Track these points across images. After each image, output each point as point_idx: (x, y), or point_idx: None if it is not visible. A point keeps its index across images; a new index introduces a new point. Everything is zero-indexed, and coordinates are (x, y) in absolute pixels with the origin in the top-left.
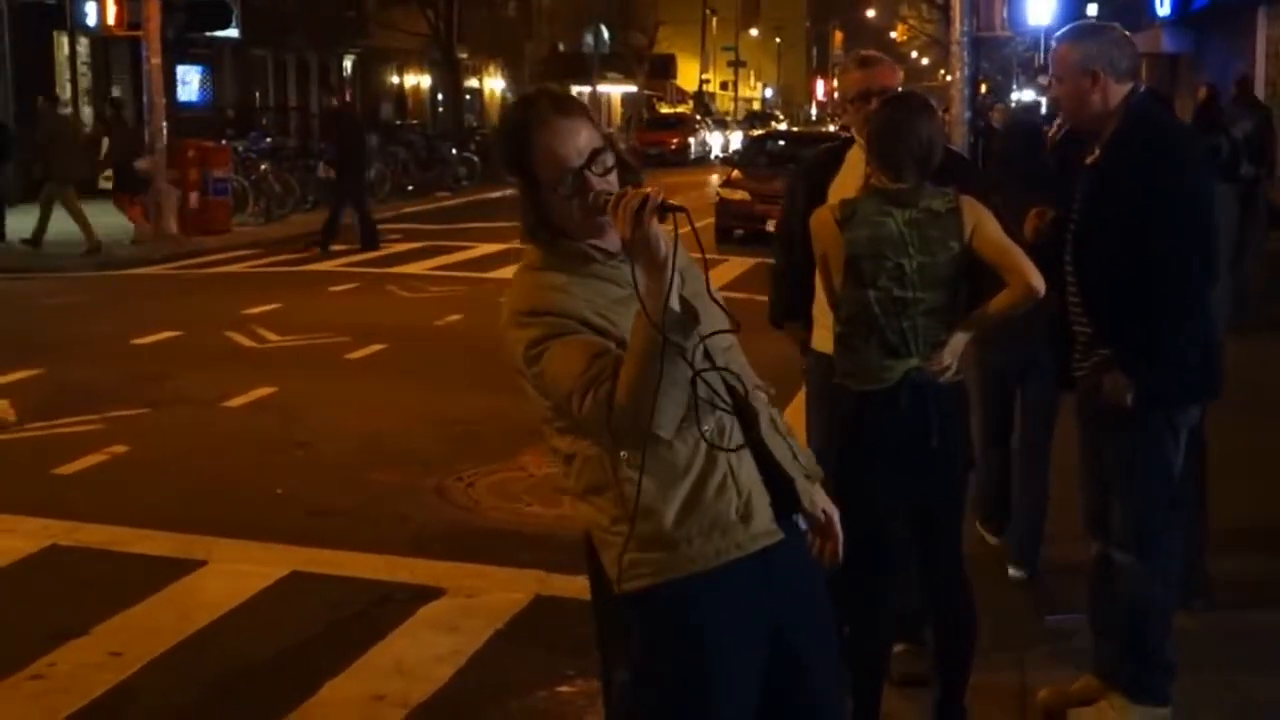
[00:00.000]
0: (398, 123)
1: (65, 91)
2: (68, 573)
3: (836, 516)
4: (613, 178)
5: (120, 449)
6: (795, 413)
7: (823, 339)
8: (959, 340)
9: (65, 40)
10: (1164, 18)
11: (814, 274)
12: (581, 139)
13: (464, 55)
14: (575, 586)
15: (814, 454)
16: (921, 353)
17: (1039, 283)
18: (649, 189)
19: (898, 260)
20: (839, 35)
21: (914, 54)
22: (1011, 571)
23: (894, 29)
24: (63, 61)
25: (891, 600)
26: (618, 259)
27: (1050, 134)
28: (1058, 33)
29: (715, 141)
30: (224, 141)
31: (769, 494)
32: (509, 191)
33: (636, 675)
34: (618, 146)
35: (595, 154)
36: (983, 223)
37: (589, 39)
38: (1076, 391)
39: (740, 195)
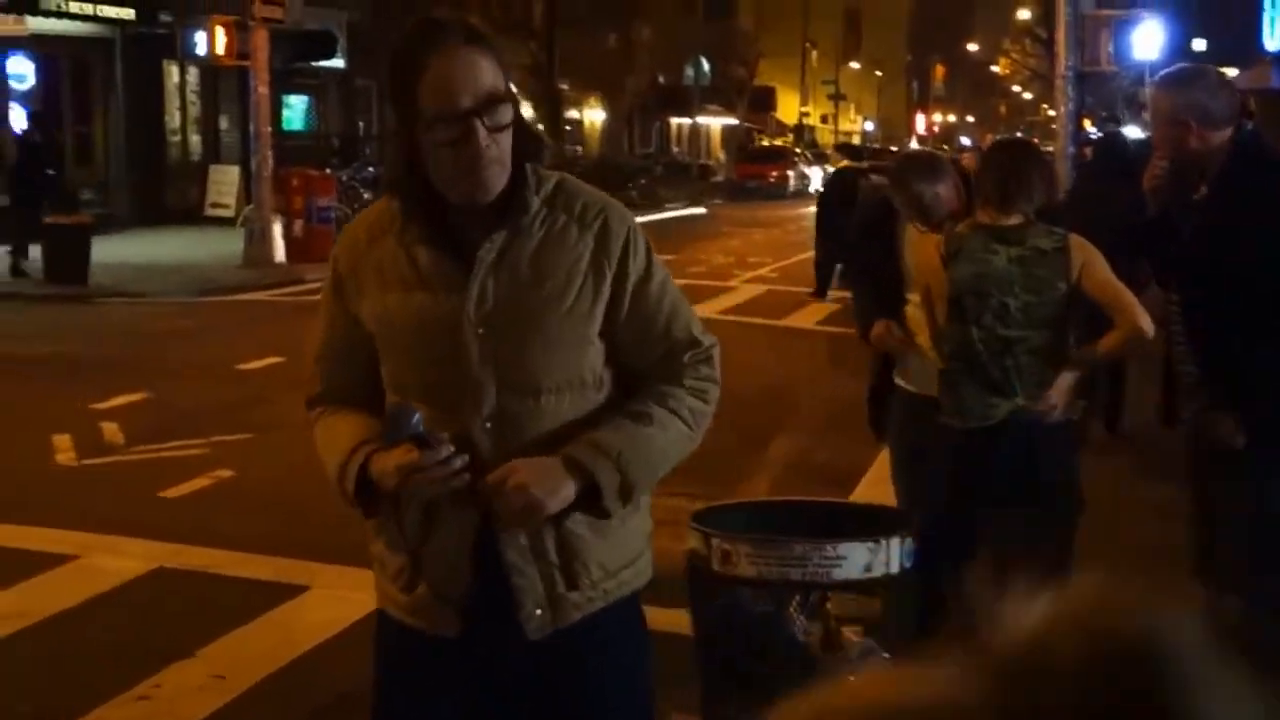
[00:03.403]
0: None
1: (174, 120)
2: (173, 595)
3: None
4: (505, 139)
5: (225, 473)
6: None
7: (907, 374)
8: (1066, 380)
9: (175, 69)
10: (1273, 53)
11: (886, 284)
12: (484, 78)
13: (565, 87)
14: (670, 620)
15: (899, 491)
16: (1025, 391)
17: (1148, 325)
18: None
19: (1002, 298)
20: (940, 69)
21: (1016, 88)
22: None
23: (996, 63)
24: (172, 90)
25: None
26: (447, 263)
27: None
28: (1155, 76)
29: (814, 175)
30: (328, 170)
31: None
32: None
33: None
34: (520, 109)
35: (491, 101)
36: (1091, 263)
37: (689, 71)
38: (1185, 433)
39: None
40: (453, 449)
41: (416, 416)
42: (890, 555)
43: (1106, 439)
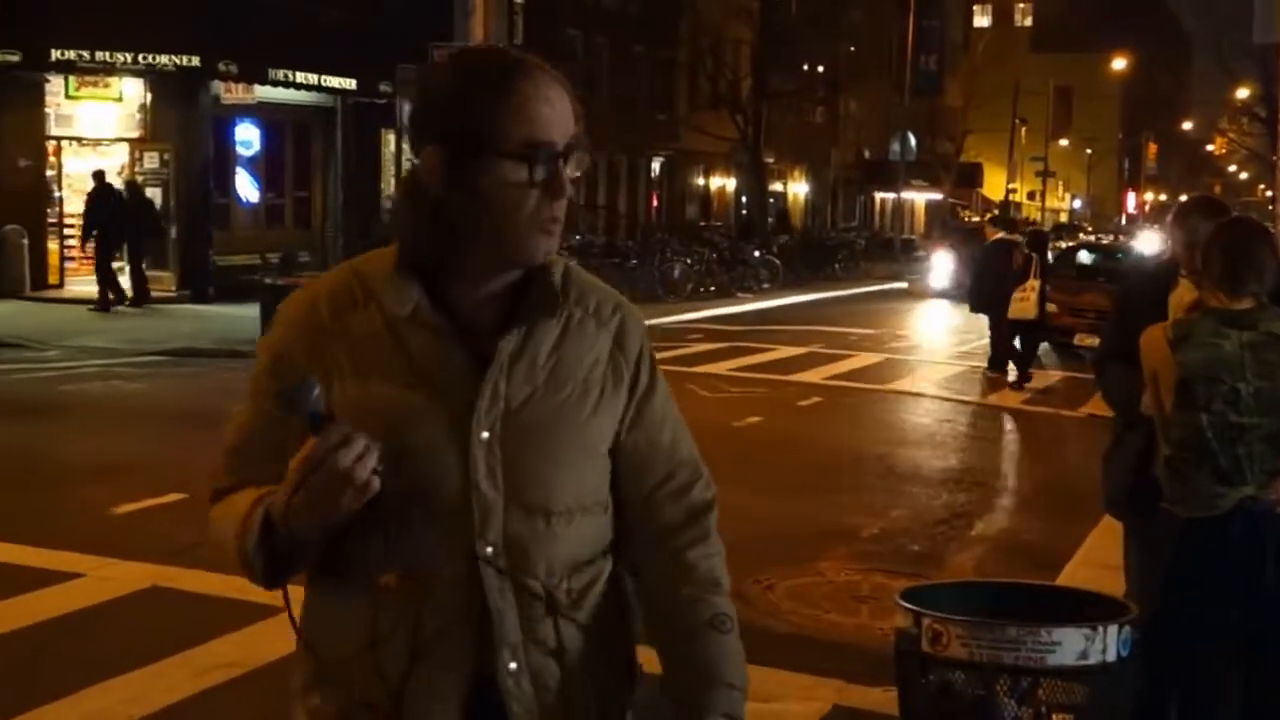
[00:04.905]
0: (702, 224)
1: (389, 186)
2: None
3: None
4: (569, 192)
5: None
6: (1106, 534)
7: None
8: None
9: (392, 138)
10: None
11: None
12: (572, 116)
13: (770, 159)
14: (874, 699)
15: (1133, 583)
16: (1256, 480)
17: None
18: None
19: (1233, 384)
20: (1153, 147)
21: (1232, 168)
22: None
23: (1211, 141)
24: (388, 158)
25: None
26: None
27: None
28: None
29: None
30: None
31: None
32: (812, 295)
33: None
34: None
35: (576, 145)
36: None
37: (895, 146)
38: None
39: (1048, 307)
40: (349, 433)
41: (317, 391)
42: (1107, 643)
43: None
